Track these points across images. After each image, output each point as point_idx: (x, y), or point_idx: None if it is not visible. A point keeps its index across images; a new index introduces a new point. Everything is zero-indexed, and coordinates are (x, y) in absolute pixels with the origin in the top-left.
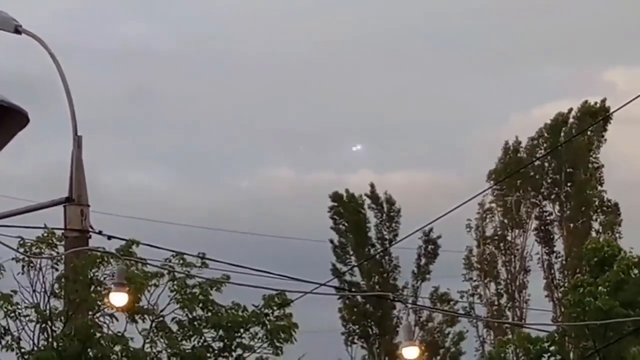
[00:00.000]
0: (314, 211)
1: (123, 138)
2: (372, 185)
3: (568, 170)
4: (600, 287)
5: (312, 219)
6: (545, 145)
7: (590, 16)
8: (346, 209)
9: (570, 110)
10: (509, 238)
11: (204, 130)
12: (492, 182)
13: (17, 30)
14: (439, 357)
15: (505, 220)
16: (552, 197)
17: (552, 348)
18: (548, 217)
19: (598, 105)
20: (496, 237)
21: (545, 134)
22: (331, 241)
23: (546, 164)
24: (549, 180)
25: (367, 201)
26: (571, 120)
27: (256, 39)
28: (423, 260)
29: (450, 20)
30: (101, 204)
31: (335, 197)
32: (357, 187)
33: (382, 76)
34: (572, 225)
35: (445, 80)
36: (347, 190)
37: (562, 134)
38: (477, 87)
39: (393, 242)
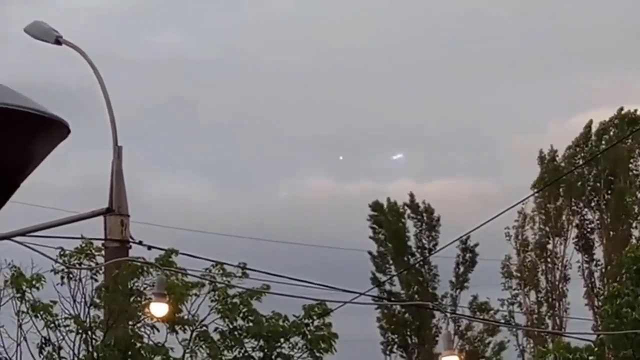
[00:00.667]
0: (353, 220)
1: (162, 148)
2: (411, 195)
3: (608, 177)
4: (639, 297)
5: (351, 228)
6: (583, 153)
7: (630, 22)
8: (386, 218)
9: (612, 118)
10: (549, 246)
11: (243, 140)
12: (535, 190)
13: (58, 41)
14: None
15: (547, 229)
16: (592, 205)
17: (590, 358)
18: (588, 225)
19: (638, 112)
20: (537, 246)
21: (582, 143)
22: (370, 252)
23: (586, 172)
24: (589, 188)
25: (407, 210)
26: (609, 127)
27: (294, 47)
28: (461, 269)
29: (489, 27)
30: (141, 214)
31: (375, 206)
32: (396, 196)
33: (421, 84)
34: (611, 233)
35: (484, 89)
36: (388, 199)
37: (603, 142)
38: (515, 95)
39: (433, 251)
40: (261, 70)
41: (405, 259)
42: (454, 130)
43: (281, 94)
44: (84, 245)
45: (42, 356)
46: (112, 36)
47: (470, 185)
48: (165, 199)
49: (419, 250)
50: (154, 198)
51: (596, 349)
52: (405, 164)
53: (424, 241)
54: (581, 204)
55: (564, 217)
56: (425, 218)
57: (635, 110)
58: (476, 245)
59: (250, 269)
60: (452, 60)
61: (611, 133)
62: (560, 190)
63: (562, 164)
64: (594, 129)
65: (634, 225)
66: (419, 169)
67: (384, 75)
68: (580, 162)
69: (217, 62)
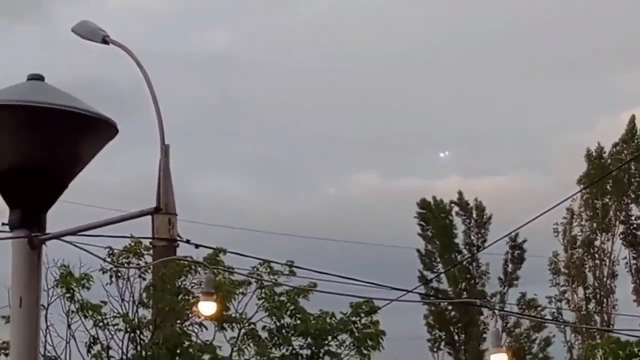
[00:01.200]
0: (402, 218)
1: (209, 147)
2: (460, 193)
3: None
4: None
5: (399, 226)
6: (630, 149)
7: None
8: (433, 216)
9: None
10: (596, 243)
11: (290, 138)
12: (581, 186)
13: (105, 40)
14: None
15: (594, 225)
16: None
17: None
18: (635, 221)
19: None
20: (585, 242)
21: (628, 139)
22: (417, 250)
23: (633, 168)
24: (635, 184)
25: (455, 208)
26: None
27: (340, 46)
28: (510, 266)
29: (536, 23)
30: (188, 213)
31: (423, 203)
32: (444, 194)
33: (469, 82)
34: None
35: (532, 85)
36: (434, 198)
37: None
38: (565, 94)
39: (480, 249)
40: (309, 70)
41: (453, 256)
42: (503, 128)
43: (329, 93)
44: (133, 244)
45: (90, 355)
46: (160, 35)
47: (520, 182)
48: (213, 198)
49: (467, 248)
50: (202, 197)
51: None
52: (454, 161)
53: (472, 238)
54: (627, 200)
55: (611, 214)
56: (474, 215)
57: None
58: (524, 241)
59: (297, 267)
60: (500, 59)
61: None
62: (607, 186)
63: (609, 161)
64: (638, 124)
65: None
66: (468, 167)
67: (434, 76)
68: (627, 158)
69: (264, 62)
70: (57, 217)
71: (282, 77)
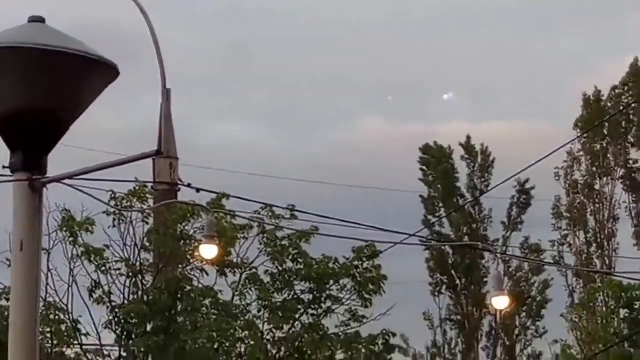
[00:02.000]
0: (407, 163)
1: (218, 94)
2: (468, 137)
3: None
4: None
5: (405, 171)
6: (630, 93)
7: None
8: (436, 160)
9: None
10: (596, 187)
11: (296, 84)
12: (578, 130)
13: None
14: (525, 307)
15: (594, 169)
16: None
17: None
18: (635, 165)
19: None
20: (585, 186)
21: (629, 82)
22: (421, 196)
23: (631, 112)
24: (635, 128)
25: (460, 152)
26: None
27: None
28: (515, 211)
29: None
30: (194, 158)
31: (426, 148)
32: (450, 138)
33: (476, 30)
34: None
35: (537, 31)
36: (435, 142)
37: None
38: (569, 36)
39: (484, 192)
40: (318, 18)
41: (455, 200)
42: (508, 73)
43: (337, 40)
44: (137, 188)
45: (92, 299)
46: None
47: (526, 126)
48: (218, 143)
49: (471, 192)
50: (207, 142)
51: None
52: (459, 105)
53: (476, 182)
54: (627, 144)
55: (610, 157)
56: (479, 159)
57: None
58: (532, 188)
59: (299, 211)
60: (505, 5)
61: None
62: (604, 130)
63: (609, 104)
64: (635, 68)
65: None
66: (474, 112)
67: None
68: (628, 101)
69: (274, 11)
70: (60, 162)
71: (290, 25)
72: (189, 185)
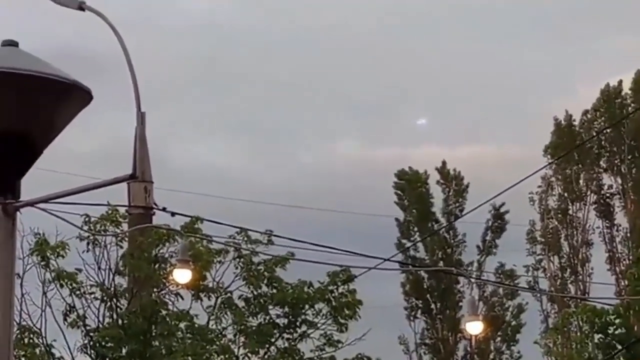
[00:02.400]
0: (380, 186)
1: (191, 113)
2: (443, 162)
3: (631, 142)
4: None
5: (377, 194)
6: (602, 118)
7: None
8: (410, 185)
9: (620, 81)
10: (570, 212)
11: (271, 105)
12: (548, 156)
13: (81, 7)
14: (499, 332)
15: (566, 194)
16: (615, 169)
17: (617, 321)
18: (608, 190)
19: None
20: (559, 211)
21: (600, 107)
22: (396, 219)
23: (603, 137)
24: (607, 154)
25: (435, 176)
26: (628, 90)
27: (323, 10)
28: (489, 235)
29: None
30: (168, 181)
31: (401, 173)
32: (423, 162)
33: (450, 48)
34: (635, 197)
35: (513, 52)
36: (410, 168)
37: (630, 106)
38: (546, 59)
39: (458, 217)
40: (290, 35)
41: (430, 225)
42: (483, 95)
43: (310, 60)
44: (110, 212)
45: (66, 323)
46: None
47: (500, 150)
48: (193, 164)
49: (446, 216)
50: (182, 164)
51: (622, 311)
52: (433, 130)
53: (451, 207)
54: (599, 169)
55: (581, 182)
56: (453, 184)
57: None
58: (506, 212)
59: (275, 235)
60: (483, 26)
61: (628, 99)
62: (575, 155)
63: (581, 129)
64: (608, 92)
65: None
66: (449, 136)
67: (412, 38)
68: (600, 125)
69: (247, 27)
70: (33, 185)
71: (264, 42)
72: (164, 209)
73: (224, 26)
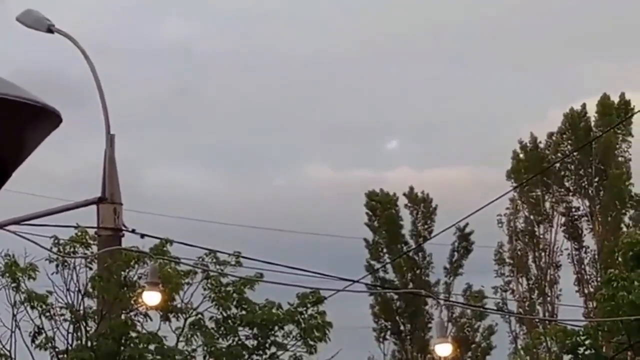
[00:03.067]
0: (352, 209)
1: (163, 136)
2: (411, 188)
3: (599, 165)
4: (635, 282)
5: (349, 216)
6: (569, 141)
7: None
8: (380, 206)
9: (584, 105)
10: (536, 233)
11: (242, 128)
12: (512, 179)
13: (50, 29)
14: (469, 353)
15: (532, 216)
16: (582, 192)
17: (587, 342)
18: (575, 213)
19: (618, 99)
20: (526, 233)
21: (566, 130)
22: (365, 240)
23: (568, 160)
24: (574, 176)
25: (403, 200)
26: (593, 114)
27: (296, 36)
28: (456, 256)
29: (490, 16)
30: (140, 204)
31: (371, 194)
32: (395, 184)
33: (424, 72)
34: (602, 219)
35: (485, 76)
36: (381, 190)
37: (593, 130)
38: (516, 83)
39: (427, 239)
40: (264, 60)
41: (399, 246)
42: (454, 119)
43: (283, 84)
44: (79, 234)
45: (34, 345)
46: (118, 27)
47: (471, 172)
48: (164, 186)
49: (414, 238)
50: (154, 186)
51: (592, 332)
52: (405, 152)
53: (419, 229)
54: (565, 192)
55: (547, 205)
56: (422, 207)
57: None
58: (471, 233)
59: (244, 257)
60: (454, 50)
61: (592, 122)
62: (539, 177)
63: (547, 151)
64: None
65: (623, 211)
66: (419, 157)
67: (384, 64)
68: (567, 149)
69: (221, 52)
70: (1, 207)
71: (237, 67)
72: (133, 231)
73: (198, 51)
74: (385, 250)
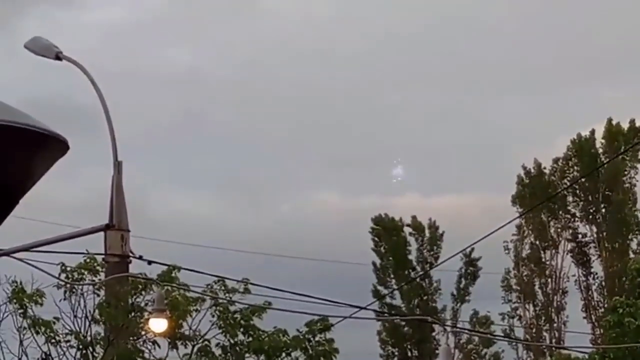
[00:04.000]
0: (360, 235)
1: (171, 163)
2: (413, 217)
3: (606, 192)
4: None
5: (357, 243)
6: (575, 167)
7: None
8: (387, 233)
9: (593, 131)
10: (543, 259)
11: (250, 155)
12: (517, 205)
13: (58, 56)
14: None
15: (538, 242)
16: (590, 217)
17: None
18: (582, 239)
19: (628, 124)
20: (532, 259)
21: (572, 157)
22: (373, 263)
23: (575, 186)
24: (581, 202)
25: (409, 228)
26: (600, 140)
27: (303, 63)
28: (463, 282)
29: (498, 40)
30: (148, 231)
31: (378, 220)
32: (403, 211)
33: (430, 99)
34: (609, 246)
35: (493, 102)
36: (386, 215)
37: (599, 156)
38: (524, 108)
39: (434, 265)
40: (270, 88)
41: (406, 272)
42: (463, 145)
43: (289, 111)
44: (87, 260)
45: None
46: (123, 53)
47: (478, 199)
48: (173, 213)
49: (421, 264)
50: (162, 213)
51: (597, 359)
52: (413, 178)
53: (426, 255)
54: (572, 218)
55: (552, 231)
56: (428, 233)
57: (633, 122)
58: (478, 259)
59: (252, 284)
60: (460, 75)
61: (599, 148)
62: (544, 204)
63: (553, 176)
64: (579, 142)
65: (630, 237)
66: (427, 184)
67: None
68: (574, 175)
69: (227, 79)
70: (9, 234)
71: (244, 94)
72: (140, 258)
73: (207, 78)
74: (392, 275)
